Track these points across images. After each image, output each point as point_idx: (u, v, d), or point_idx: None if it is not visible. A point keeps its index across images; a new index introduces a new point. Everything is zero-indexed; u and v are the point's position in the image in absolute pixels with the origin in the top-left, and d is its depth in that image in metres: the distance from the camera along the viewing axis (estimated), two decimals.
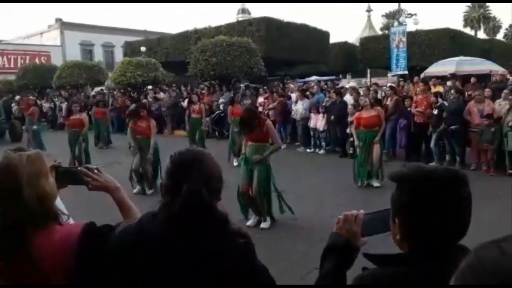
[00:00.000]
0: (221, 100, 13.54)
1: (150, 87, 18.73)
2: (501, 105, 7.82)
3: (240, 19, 26.66)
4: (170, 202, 1.13)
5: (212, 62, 15.83)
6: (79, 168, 1.48)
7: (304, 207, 5.90)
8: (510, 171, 7.46)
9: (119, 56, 31.34)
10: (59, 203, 1.35)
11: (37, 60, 30.57)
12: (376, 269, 1.05)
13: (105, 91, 20.36)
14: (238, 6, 36.85)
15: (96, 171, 1.47)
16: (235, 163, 9.07)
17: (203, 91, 15.14)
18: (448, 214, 0.99)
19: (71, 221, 1.35)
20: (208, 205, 1.13)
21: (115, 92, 18.26)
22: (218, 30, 20.85)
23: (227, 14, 71.50)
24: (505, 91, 8.21)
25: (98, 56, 35.20)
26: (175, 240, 1.11)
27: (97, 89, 21.82)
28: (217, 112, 13.31)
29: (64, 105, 16.25)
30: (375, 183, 7.03)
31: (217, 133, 13.20)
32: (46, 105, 19.34)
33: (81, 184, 1.44)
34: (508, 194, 6.43)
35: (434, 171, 1.05)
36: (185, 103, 14.00)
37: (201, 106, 10.09)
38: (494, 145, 7.53)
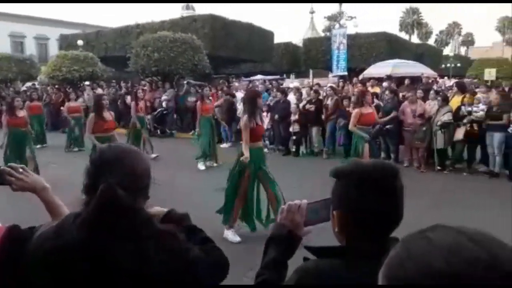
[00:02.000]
0: (164, 98, 13.20)
1: (87, 82, 17.81)
2: (430, 105, 8.35)
3: (184, 15, 26.21)
4: (88, 203, 1.09)
5: (154, 58, 15.38)
6: (2, 167, 1.39)
7: None
8: (438, 168, 8.00)
9: (53, 49, 29.59)
10: None
11: None
12: (317, 260, 1.07)
13: (37, 86, 19.04)
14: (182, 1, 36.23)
15: (21, 170, 1.40)
16: (202, 167, 8.57)
17: (145, 88, 14.64)
18: (381, 206, 1.01)
19: None
20: (126, 205, 1.07)
21: (48, 88, 17.15)
22: (162, 25, 20.32)
23: (171, 10, 69.90)
24: (432, 92, 8.80)
25: (30, 49, 32.95)
26: (94, 243, 1.05)
27: (29, 84, 20.37)
28: (159, 109, 12.95)
29: None
30: None
31: (159, 132, 12.84)
32: None
33: (5, 184, 1.37)
34: (436, 188, 6.93)
35: (368, 165, 1.09)
36: (128, 100, 13.42)
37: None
38: (425, 143, 8.04)
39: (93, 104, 6.80)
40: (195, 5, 36.01)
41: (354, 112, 6.50)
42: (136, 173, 1.15)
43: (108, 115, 6.46)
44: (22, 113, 7.59)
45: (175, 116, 13.56)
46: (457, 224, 0.58)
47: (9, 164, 1.43)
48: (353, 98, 9.29)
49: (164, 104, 12.96)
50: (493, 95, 8.05)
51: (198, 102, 9.13)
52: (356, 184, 1.04)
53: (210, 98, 9.93)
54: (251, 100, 4.92)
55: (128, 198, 1.07)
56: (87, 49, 21.56)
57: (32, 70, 22.19)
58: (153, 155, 8.96)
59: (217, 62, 19.20)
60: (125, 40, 21.21)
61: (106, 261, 1.05)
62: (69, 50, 20.34)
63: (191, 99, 12.45)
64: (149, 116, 12.86)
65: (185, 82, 14.51)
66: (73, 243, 1.05)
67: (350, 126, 6.46)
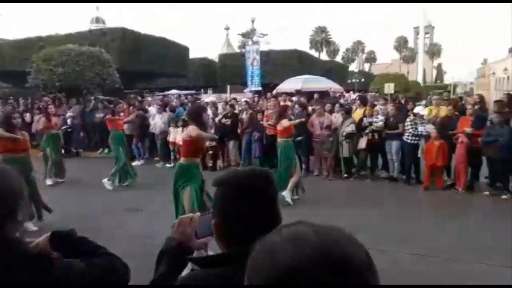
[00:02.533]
0: (68, 114, 12.29)
1: None
2: (336, 117, 8.89)
3: (93, 28, 24.98)
4: None
5: (58, 72, 14.35)
6: None
7: (159, 223, 5.65)
8: (345, 175, 8.50)
9: None
10: None
11: None
12: (198, 271, 1.07)
13: None
14: (92, 14, 34.54)
15: None
16: (110, 187, 7.88)
17: (50, 105, 13.50)
18: (253, 213, 1.01)
19: None
20: None
21: None
22: (68, 38, 19.08)
23: (78, 23, 65.81)
24: (337, 105, 9.42)
25: None
26: None
27: None
28: (64, 127, 11.99)
29: None
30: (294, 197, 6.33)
31: (63, 151, 11.85)
32: None
33: None
34: (343, 195, 7.35)
35: (244, 172, 1.09)
36: (27, 117, 12.28)
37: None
38: (332, 152, 8.50)
39: (1, 121, 6.07)
40: (105, 18, 34.55)
41: (284, 122, 6.92)
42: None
43: (20, 134, 5.84)
44: None
45: (81, 134, 12.68)
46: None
47: None
48: (270, 111, 9.55)
49: (69, 121, 12.07)
50: (390, 107, 8.84)
51: (109, 115, 8.73)
52: (232, 191, 1.04)
53: (122, 113, 9.54)
54: (196, 116, 4.73)
55: None
56: None
57: None
58: (60, 180, 8.56)
59: (129, 77, 18.50)
60: (25, 54, 19.48)
61: None
62: None
63: (99, 115, 11.76)
64: None
65: (92, 97, 13.69)
66: None
67: (293, 123, 7.26)
